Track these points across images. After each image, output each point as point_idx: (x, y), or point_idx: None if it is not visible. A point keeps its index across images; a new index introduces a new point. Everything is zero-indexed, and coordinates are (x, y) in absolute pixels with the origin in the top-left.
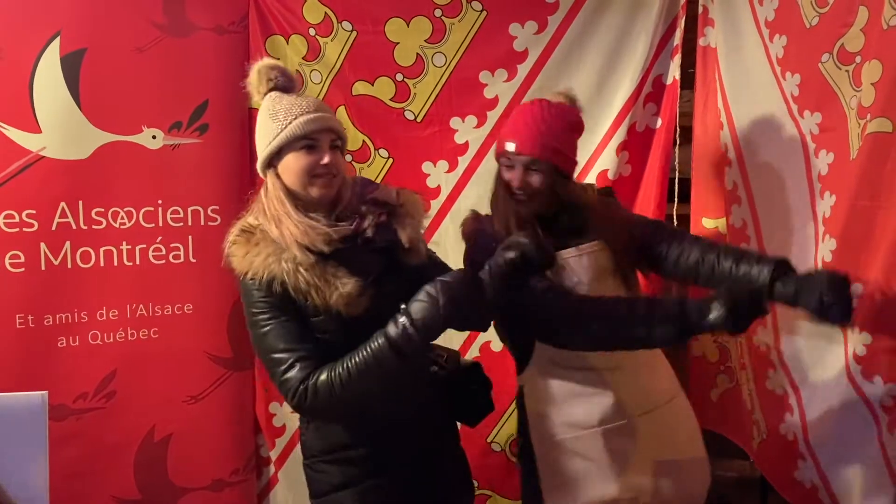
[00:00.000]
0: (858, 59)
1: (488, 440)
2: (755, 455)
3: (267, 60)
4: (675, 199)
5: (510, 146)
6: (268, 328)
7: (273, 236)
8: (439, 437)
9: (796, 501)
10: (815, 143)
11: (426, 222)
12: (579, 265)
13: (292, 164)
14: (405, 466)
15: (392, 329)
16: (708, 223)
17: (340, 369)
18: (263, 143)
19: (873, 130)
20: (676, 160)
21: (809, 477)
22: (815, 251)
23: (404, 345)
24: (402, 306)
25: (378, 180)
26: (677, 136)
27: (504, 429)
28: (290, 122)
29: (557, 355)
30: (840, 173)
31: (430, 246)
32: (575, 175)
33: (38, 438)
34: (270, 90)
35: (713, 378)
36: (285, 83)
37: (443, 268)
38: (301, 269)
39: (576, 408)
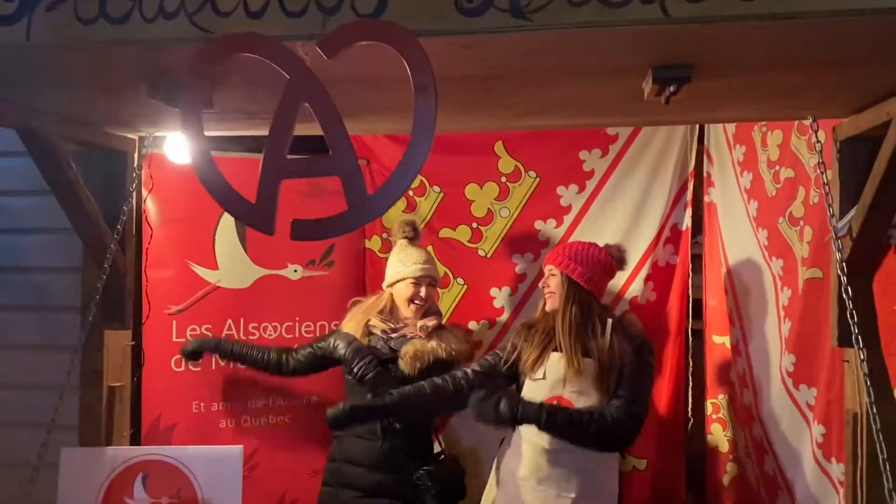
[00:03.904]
0: (801, 223)
1: None
2: None
3: (404, 216)
4: (691, 317)
5: (545, 265)
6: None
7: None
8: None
9: None
10: (780, 281)
11: (482, 338)
12: (553, 366)
13: (403, 291)
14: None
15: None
16: (717, 339)
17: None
18: (391, 273)
19: (809, 277)
20: (691, 287)
21: None
22: (780, 363)
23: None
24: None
25: (455, 302)
26: (690, 269)
27: None
28: (410, 267)
29: None
30: (793, 305)
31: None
32: (601, 297)
33: (236, 479)
34: (404, 237)
35: (724, 466)
36: (412, 234)
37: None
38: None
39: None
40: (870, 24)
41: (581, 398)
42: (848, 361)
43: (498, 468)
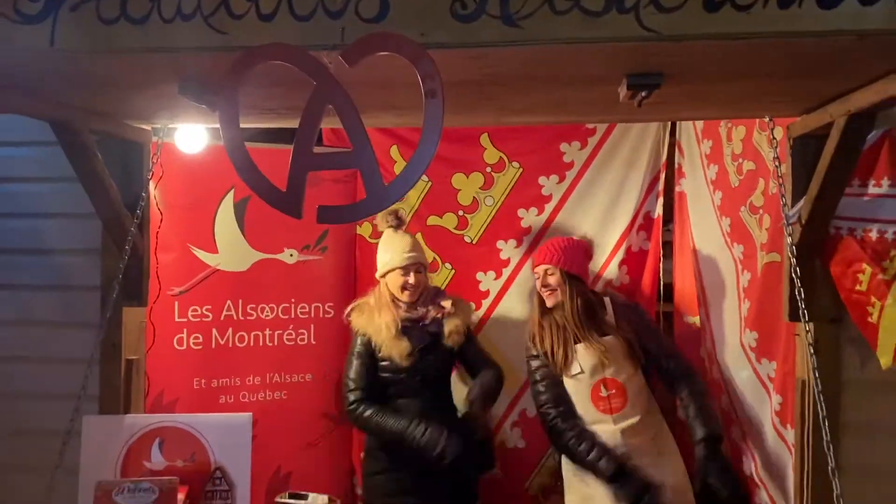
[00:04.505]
0: (761, 211)
1: (525, 487)
2: None
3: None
4: (662, 300)
5: (538, 266)
6: (352, 363)
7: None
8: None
9: None
10: (740, 265)
11: (475, 318)
12: (584, 357)
13: (394, 280)
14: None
15: (425, 438)
16: (689, 319)
17: (378, 419)
18: (381, 264)
19: (768, 261)
20: (662, 271)
21: (765, 499)
22: (740, 340)
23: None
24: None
25: (444, 286)
26: (662, 255)
27: (536, 479)
28: (397, 256)
29: None
30: (752, 287)
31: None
32: (588, 282)
33: (245, 443)
34: (388, 226)
35: None
36: (396, 223)
37: (476, 348)
38: (389, 331)
39: None
40: (813, 45)
41: (621, 373)
42: (798, 335)
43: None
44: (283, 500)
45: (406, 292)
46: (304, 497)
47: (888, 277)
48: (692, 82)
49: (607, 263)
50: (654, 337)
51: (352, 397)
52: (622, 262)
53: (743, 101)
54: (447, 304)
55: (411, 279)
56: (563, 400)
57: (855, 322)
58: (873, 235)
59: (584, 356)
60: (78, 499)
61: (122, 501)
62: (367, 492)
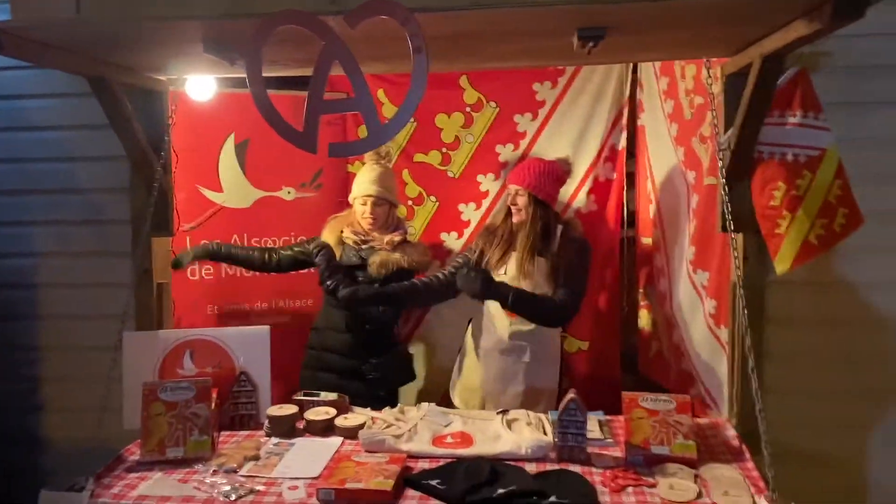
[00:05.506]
0: (708, 141)
1: None
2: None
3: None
4: (625, 226)
5: (511, 184)
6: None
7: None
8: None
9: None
10: (691, 189)
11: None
12: (512, 266)
13: (357, 207)
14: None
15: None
16: (645, 240)
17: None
18: (353, 190)
19: (708, 183)
20: (626, 199)
21: (700, 391)
22: (685, 254)
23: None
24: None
25: (429, 218)
26: (625, 184)
27: None
28: (360, 186)
29: None
30: (698, 207)
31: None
32: (555, 206)
33: (265, 351)
34: (370, 159)
35: (650, 343)
36: (377, 157)
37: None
38: (331, 240)
39: None
40: (725, 3)
41: (536, 289)
42: (730, 245)
43: (463, 343)
44: (298, 397)
45: (365, 220)
46: (317, 394)
47: (800, 193)
48: (633, 33)
49: (577, 192)
50: (570, 270)
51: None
52: (590, 191)
53: (682, 46)
54: (391, 238)
55: (368, 209)
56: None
57: (763, 234)
58: (789, 158)
59: (513, 264)
60: (123, 402)
61: (165, 398)
62: (301, 382)
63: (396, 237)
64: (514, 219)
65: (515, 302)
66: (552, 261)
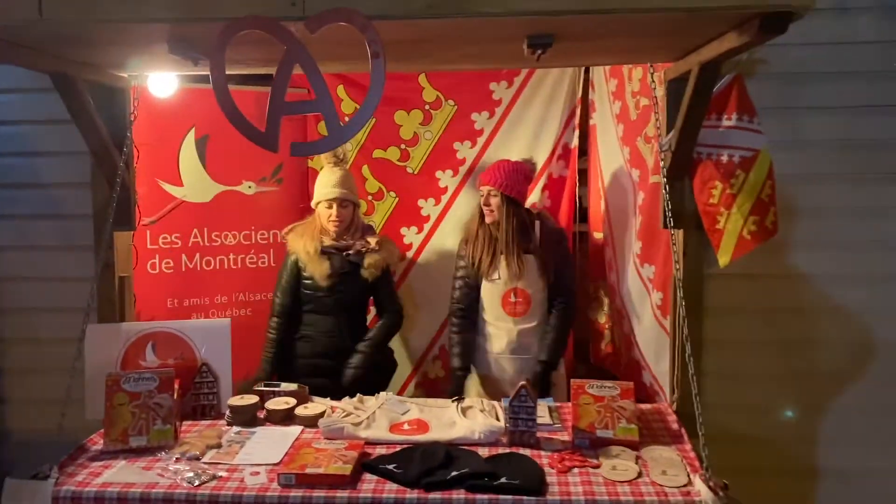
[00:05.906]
0: (652, 141)
1: None
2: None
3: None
4: (578, 221)
5: (483, 186)
6: (281, 277)
7: (306, 236)
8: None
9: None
10: (637, 187)
11: (398, 259)
12: (504, 268)
13: (321, 211)
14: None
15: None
16: (597, 235)
17: (271, 336)
18: (315, 195)
19: (653, 181)
20: (578, 196)
21: (648, 378)
22: (632, 249)
23: None
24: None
25: (388, 213)
26: (578, 181)
27: None
28: (323, 190)
29: None
30: (644, 204)
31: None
32: (526, 203)
33: (226, 344)
34: (328, 161)
35: (602, 334)
36: (335, 160)
37: (389, 288)
38: (309, 254)
39: None
40: (658, 17)
41: (530, 286)
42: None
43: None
44: (259, 388)
45: (330, 224)
46: (277, 385)
47: (734, 192)
48: (580, 40)
49: (532, 188)
50: (564, 262)
51: (274, 306)
52: (544, 188)
53: (628, 52)
54: (372, 240)
55: (334, 212)
56: (468, 299)
57: (706, 230)
58: (724, 159)
59: (504, 267)
60: (84, 393)
61: (129, 388)
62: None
63: (374, 239)
64: (488, 219)
65: (554, 356)
66: (540, 257)
